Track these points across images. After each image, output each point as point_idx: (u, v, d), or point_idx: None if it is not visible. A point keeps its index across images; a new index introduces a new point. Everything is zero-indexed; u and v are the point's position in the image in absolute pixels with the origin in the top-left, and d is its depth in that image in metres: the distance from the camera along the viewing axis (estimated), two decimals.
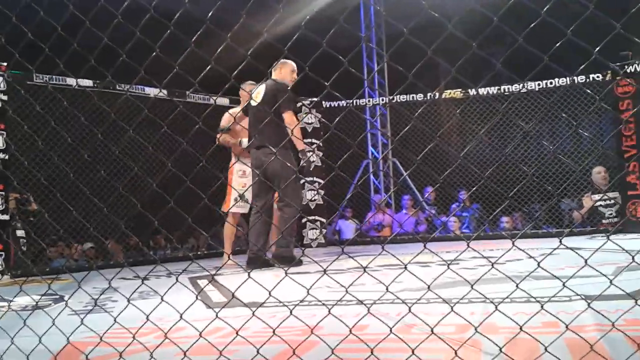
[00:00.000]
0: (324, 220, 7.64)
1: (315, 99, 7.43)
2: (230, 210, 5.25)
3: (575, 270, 1.76)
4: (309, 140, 7.40)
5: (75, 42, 2.05)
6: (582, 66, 1.83)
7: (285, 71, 4.82)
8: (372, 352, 1.59)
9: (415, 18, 1.85)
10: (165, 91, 6.28)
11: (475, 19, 1.87)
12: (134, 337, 1.91)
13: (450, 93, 7.25)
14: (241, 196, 5.08)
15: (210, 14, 1.85)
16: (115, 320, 1.99)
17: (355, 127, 7.95)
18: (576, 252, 1.59)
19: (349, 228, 8.33)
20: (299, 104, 7.28)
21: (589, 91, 6.55)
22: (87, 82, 6.00)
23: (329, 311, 1.77)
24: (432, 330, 1.63)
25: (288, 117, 4.50)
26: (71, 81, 5.89)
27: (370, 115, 8.96)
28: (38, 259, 5.86)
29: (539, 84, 6.87)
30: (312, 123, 7.61)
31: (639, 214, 5.94)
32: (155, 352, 1.83)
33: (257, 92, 4.74)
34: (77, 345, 1.99)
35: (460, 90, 7.21)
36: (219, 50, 1.86)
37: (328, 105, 7.75)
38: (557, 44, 1.61)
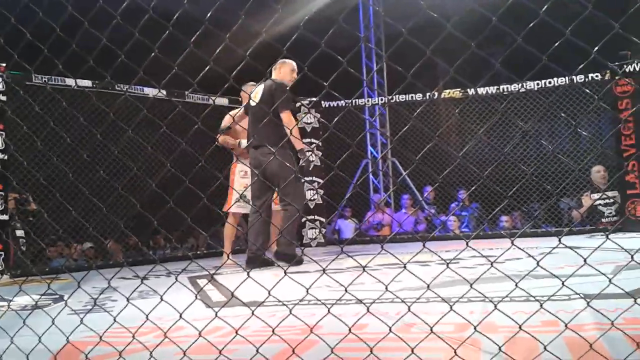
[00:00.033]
0: (323, 219, 7.65)
1: (314, 99, 7.43)
2: (231, 210, 5.25)
3: (575, 269, 1.76)
4: (308, 140, 7.40)
5: (74, 43, 2.05)
6: (581, 66, 1.83)
7: (285, 71, 4.83)
8: (371, 351, 1.59)
9: (414, 18, 1.85)
10: (164, 91, 6.28)
11: (474, 19, 1.87)
12: (133, 337, 1.92)
13: (449, 93, 7.25)
14: (242, 196, 5.08)
15: (209, 15, 1.85)
16: (114, 319, 1.99)
17: (355, 127, 7.95)
18: (575, 251, 1.59)
19: (348, 227, 8.33)
20: (297, 104, 7.28)
21: (587, 91, 6.55)
22: (87, 83, 6.00)
23: (329, 310, 1.77)
24: (431, 330, 1.63)
25: (285, 116, 4.50)
26: (70, 82, 5.89)
27: (369, 115, 8.97)
28: (37, 259, 5.86)
29: (537, 84, 6.87)
30: (311, 123, 7.61)
31: (638, 213, 5.94)
32: (155, 351, 1.83)
33: (255, 92, 4.75)
34: (77, 345, 1.99)
35: (459, 90, 7.22)
36: (217, 50, 1.86)
37: (327, 105, 7.75)
38: (556, 44, 1.61)
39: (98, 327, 2.09)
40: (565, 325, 1.56)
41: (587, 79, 6.55)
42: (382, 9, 9.05)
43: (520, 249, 1.79)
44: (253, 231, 4.73)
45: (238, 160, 5.34)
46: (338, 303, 2.42)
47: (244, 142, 5.16)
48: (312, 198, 7.54)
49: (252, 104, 4.71)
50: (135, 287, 2.35)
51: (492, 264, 1.68)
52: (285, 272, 1.88)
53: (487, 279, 2.70)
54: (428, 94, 7.40)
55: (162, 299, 1.92)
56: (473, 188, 6.86)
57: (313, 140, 7.44)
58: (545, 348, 1.51)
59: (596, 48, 1.60)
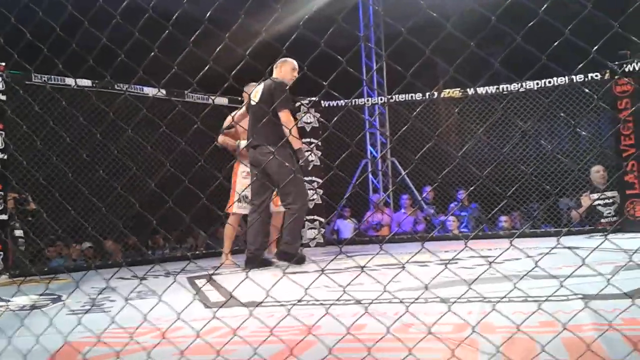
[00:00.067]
0: (322, 219, 7.64)
1: (314, 99, 7.43)
2: (232, 211, 5.26)
3: (573, 270, 1.76)
4: (308, 139, 7.40)
5: (74, 42, 2.05)
6: (580, 65, 1.83)
7: (285, 69, 4.81)
8: (369, 352, 1.59)
9: (413, 18, 1.85)
10: (164, 91, 6.28)
11: (474, 18, 1.87)
12: (131, 337, 1.91)
13: (448, 92, 7.25)
14: (244, 197, 5.08)
15: (208, 14, 1.85)
16: (113, 320, 1.99)
17: (355, 126, 7.95)
18: (574, 252, 1.59)
19: (347, 228, 8.33)
20: (297, 104, 7.28)
21: (587, 90, 6.55)
22: (86, 82, 6.00)
23: (327, 311, 1.77)
24: (429, 330, 1.63)
25: (284, 116, 4.49)
26: (70, 81, 5.89)
27: (369, 114, 8.96)
28: (36, 259, 5.86)
29: (537, 83, 6.87)
30: (311, 122, 7.61)
31: (637, 213, 5.94)
32: (153, 351, 1.83)
33: (255, 92, 4.75)
34: (75, 345, 1.99)
35: (459, 89, 7.22)
36: (217, 50, 1.86)
37: (327, 105, 7.75)
38: (555, 43, 1.61)
39: (96, 328, 2.09)
40: (564, 326, 1.56)
41: (586, 79, 6.55)
42: (381, 8, 9.04)
43: (519, 249, 1.79)
44: (252, 231, 4.73)
45: (240, 161, 5.33)
46: (337, 303, 2.42)
47: (243, 143, 5.16)
48: (312, 198, 7.54)
49: (253, 103, 4.72)
50: (134, 288, 2.35)
51: (490, 264, 1.68)
52: (284, 273, 1.88)
53: (486, 280, 2.70)
54: (428, 93, 7.39)
55: (160, 300, 1.91)
56: (472, 188, 6.86)
57: (312, 140, 7.44)
58: (543, 349, 1.51)
59: (595, 47, 1.60)
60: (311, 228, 7.60)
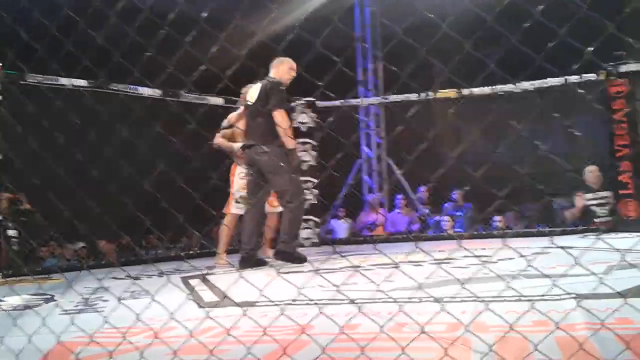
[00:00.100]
0: (317, 219, 7.64)
1: (310, 99, 7.41)
2: (230, 211, 5.25)
3: (566, 269, 1.77)
4: (303, 140, 7.39)
5: (69, 42, 2.04)
6: (575, 66, 1.84)
7: (282, 69, 4.78)
8: (362, 351, 1.59)
9: (410, 19, 1.85)
10: (159, 91, 6.26)
11: (471, 19, 1.87)
12: (124, 337, 1.91)
13: (444, 93, 7.25)
14: (242, 197, 5.07)
15: (204, 15, 1.85)
16: (105, 320, 1.99)
17: (351, 127, 7.95)
18: (567, 252, 1.60)
19: (341, 228, 8.33)
20: (292, 104, 7.27)
21: (581, 91, 6.56)
22: (82, 82, 5.97)
23: (320, 310, 1.77)
24: (422, 329, 1.63)
25: (278, 115, 4.48)
26: (65, 81, 5.86)
27: (364, 115, 8.97)
28: (30, 259, 5.83)
29: (532, 84, 6.86)
30: (306, 123, 7.60)
31: (630, 213, 5.96)
32: (146, 351, 1.82)
33: (252, 91, 4.75)
34: (68, 345, 1.98)
35: (454, 90, 7.21)
36: (213, 50, 1.85)
37: (323, 105, 7.73)
38: (550, 45, 1.62)
39: (89, 328, 2.08)
40: (556, 325, 1.56)
41: (581, 80, 6.55)
42: (378, 9, 9.05)
43: (512, 248, 1.79)
44: (246, 231, 4.72)
45: (237, 163, 5.33)
46: (330, 303, 2.42)
47: (236, 146, 5.17)
48: (307, 198, 7.53)
49: (250, 102, 4.72)
50: (127, 287, 2.34)
51: (483, 264, 1.68)
52: (277, 272, 1.88)
53: (480, 279, 2.70)
54: (423, 94, 7.39)
55: (153, 300, 1.91)
56: (466, 188, 6.87)
57: (307, 140, 7.43)
58: (535, 347, 1.51)
59: (591, 49, 1.61)
60: (306, 228, 7.59)
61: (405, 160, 7.55)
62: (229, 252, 5.47)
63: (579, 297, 2.16)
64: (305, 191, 7.11)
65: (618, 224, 5.96)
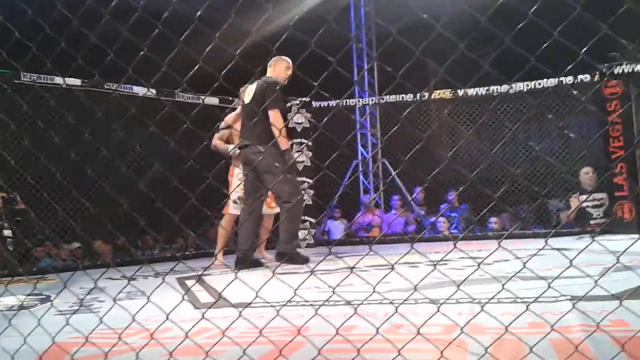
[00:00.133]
0: (313, 220, 7.64)
1: (305, 99, 7.42)
2: (228, 212, 5.25)
3: (561, 271, 1.77)
4: (299, 140, 7.39)
5: (63, 41, 2.03)
6: (569, 67, 1.84)
7: (279, 68, 4.77)
8: (358, 353, 1.59)
9: (405, 19, 1.85)
10: (153, 90, 6.25)
11: (467, 19, 1.87)
12: (119, 338, 1.90)
13: (439, 93, 7.27)
14: (240, 198, 5.07)
15: (198, 13, 1.85)
16: (101, 320, 1.98)
17: (346, 127, 7.94)
18: (562, 253, 1.60)
19: (337, 228, 8.33)
20: (288, 104, 7.27)
21: (575, 92, 6.58)
22: (76, 81, 5.95)
23: (316, 312, 1.77)
24: (418, 331, 1.63)
25: (273, 115, 4.48)
26: (59, 80, 5.85)
27: (360, 115, 8.97)
28: (25, 259, 5.81)
29: (527, 85, 6.89)
30: (301, 123, 7.60)
31: (625, 215, 5.99)
32: (141, 352, 1.82)
33: (248, 91, 4.74)
34: (63, 346, 1.97)
35: (449, 90, 7.23)
36: (208, 49, 1.85)
37: (318, 105, 7.74)
38: (544, 46, 1.62)
39: (84, 328, 2.08)
40: (551, 327, 1.57)
41: (576, 81, 6.57)
42: (373, 9, 9.05)
43: (507, 250, 1.79)
44: (243, 232, 4.71)
45: (234, 165, 5.33)
46: (326, 304, 2.42)
47: (232, 147, 5.17)
48: (304, 198, 7.53)
49: (246, 102, 4.71)
50: (122, 288, 2.34)
51: (479, 265, 1.68)
52: (273, 273, 1.88)
53: (475, 281, 2.70)
54: (418, 94, 7.41)
55: (148, 300, 1.90)
56: (461, 189, 6.88)
57: (303, 140, 7.43)
58: (530, 350, 1.51)
59: (584, 50, 1.61)
60: (302, 229, 7.59)
61: (401, 160, 7.54)
62: (225, 252, 5.46)
63: (574, 299, 2.17)
64: (302, 191, 7.12)
65: (613, 225, 5.98)
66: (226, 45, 1.87)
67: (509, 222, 7.63)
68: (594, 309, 1.94)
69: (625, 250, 1.64)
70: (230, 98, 6.67)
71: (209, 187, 1.97)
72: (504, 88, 6.95)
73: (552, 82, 6.71)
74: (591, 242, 1.69)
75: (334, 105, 7.51)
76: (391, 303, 1.91)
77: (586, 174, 6.78)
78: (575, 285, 2.46)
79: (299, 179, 7.27)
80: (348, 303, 2.16)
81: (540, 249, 1.69)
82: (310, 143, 7.43)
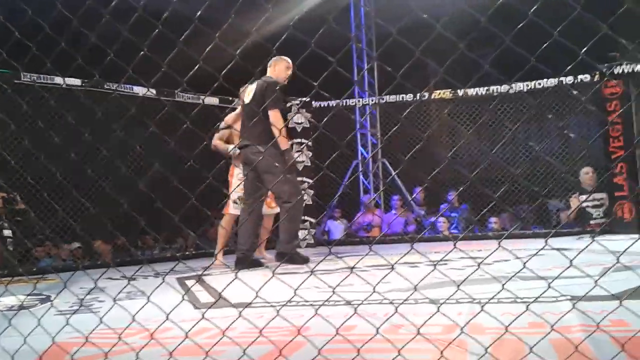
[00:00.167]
0: (313, 220, 7.64)
1: (305, 99, 7.42)
2: (229, 212, 5.25)
3: (561, 271, 1.77)
4: (299, 140, 7.39)
5: (63, 41, 2.03)
6: (569, 67, 1.84)
7: (279, 68, 4.76)
8: (358, 353, 1.59)
9: (405, 19, 1.85)
10: (153, 90, 6.25)
11: (468, 19, 1.87)
12: (119, 338, 1.90)
13: (439, 93, 7.27)
14: (240, 198, 5.07)
15: (198, 13, 1.85)
16: (101, 320, 1.98)
17: (346, 127, 7.94)
18: (562, 253, 1.60)
19: (337, 229, 8.33)
20: (288, 104, 7.27)
21: (575, 92, 6.57)
22: (76, 81, 5.95)
23: (316, 312, 1.77)
24: (418, 331, 1.63)
25: (273, 115, 4.48)
26: (59, 80, 5.85)
27: (360, 115, 8.98)
28: (25, 259, 5.81)
29: (527, 85, 6.88)
30: (302, 123, 7.60)
31: (625, 215, 5.98)
32: (141, 352, 1.82)
33: (248, 91, 4.74)
34: (63, 346, 1.97)
35: (449, 90, 7.23)
36: (208, 49, 1.85)
37: (318, 105, 7.74)
38: (544, 46, 1.62)
39: (84, 328, 2.08)
40: (551, 327, 1.57)
41: (576, 81, 6.57)
42: (373, 9, 9.05)
43: (507, 250, 1.79)
44: (243, 232, 4.71)
45: (234, 165, 5.33)
46: (327, 304, 2.42)
47: (232, 147, 5.17)
48: (304, 197, 7.54)
49: (246, 102, 4.71)
50: (122, 288, 2.34)
51: (479, 265, 1.68)
52: (273, 273, 1.88)
53: (475, 281, 2.71)
54: (418, 94, 7.41)
55: (148, 300, 1.90)
56: (461, 189, 6.88)
57: (303, 140, 7.43)
58: (530, 350, 1.51)
59: (584, 50, 1.61)
60: (302, 229, 7.59)
61: (401, 160, 7.55)
62: (225, 252, 5.46)
63: (575, 299, 2.17)
64: (302, 191, 7.12)
65: (613, 225, 5.98)
66: (227, 45, 1.87)
67: (509, 222, 7.63)
68: (594, 309, 1.94)
69: (625, 250, 1.64)
70: (230, 98, 6.67)
71: (209, 187, 1.97)
72: (504, 88, 6.94)
73: (552, 82, 6.70)
74: (591, 242, 1.69)
75: (334, 105, 7.51)
76: (391, 303, 1.91)
77: (586, 174, 6.78)
78: (576, 285, 2.46)
79: (299, 179, 7.28)
80: (348, 303, 2.16)
81: (540, 249, 1.69)
82: (310, 143, 7.43)
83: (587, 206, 6.64)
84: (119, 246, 7.17)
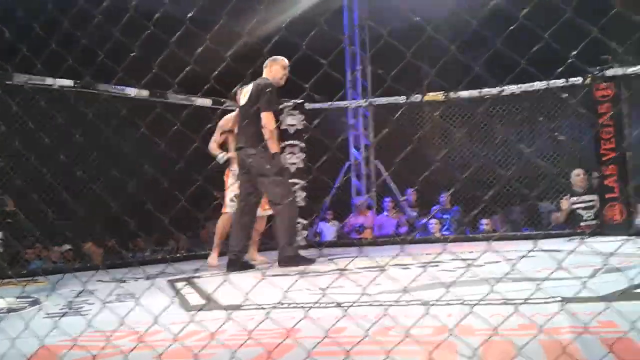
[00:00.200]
0: (305, 221, 7.63)
1: (298, 101, 7.41)
2: (226, 211, 5.24)
3: (550, 273, 1.78)
4: (291, 142, 7.38)
5: (54, 42, 2.03)
6: (559, 70, 1.85)
7: (275, 68, 4.72)
8: (348, 355, 1.59)
9: (400, 21, 1.86)
10: (146, 91, 6.23)
11: (462, 22, 1.88)
12: (108, 341, 1.89)
13: (432, 96, 7.27)
14: (236, 196, 5.05)
15: (189, 15, 1.84)
16: (89, 323, 1.97)
17: (340, 129, 7.95)
18: (551, 256, 1.60)
19: (329, 230, 8.32)
20: (281, 106, 7.26)
21: (565, 95, 6.59)
22: (68, 82, 5.91)
23: (305, 314, 1.77)
24: (406, 333, 1.63)
25: (265, 117, 4.46)
26: (50, 81, 5.81)
27: (353, 117, 8.99)
28: (15, 261, 5.78)
29: (519, 87, 6.88)
30: (294, 125, 7.59)
31: (616, 217, 6.01)
32: (130, 355, 1.81)
33: (245, 92, 4.72)
34: (52, 349, 1.96)
35: (442, 92, 7.23)
36: (200, 50, 1.85)
37: (311, 107, 7.73)
38: (534, 49, 1.63)
39: (74, 331, 2.07)
40: (540, 329, 1.57)
41: (567, 83, 6.57)
42: (366, 12, 9.07)
43: (497, 251, 1.80)
44: (235, 233, 4.69)
45: (230, 169, 5.32)
46: (318, 306, 2.42)
47: (221, 156, 5.18)
48: (297, 200, 7.53)
49: (242, 103, 4.70)
50: (111, 290, 2.33)
51: (468, 266, 1.69)
52: (263, 275, 1.87)
53: (466, 282, 2.71)
54: (411, 96, 7.41)
55: (137, 303, 1.90)
56: (451, 191, 6.89)
57: (296, 142, 7.42)
58: (519, 351, 1.51)
59: (574, 53, 1.62)
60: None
61: (393, 162, 7.55)
62: (219, 254, 5.42)
63: (564, 300, 2.17)
64: (295, 193, 7.11)
65: (604, 227, 6.01)
66: (221, 47, 1.87)
67: (500, 223, 7.65)
68: (584, 310, 1.95)
69: (614, 252, 1.65)
70: (222, 100, 6.66)
71: (201, 188, 1.97)
72: (497, 90, 6.95)
73: (544, 84, 6.72)
74: (580, 244, 1.70)
75: (327, 107, 7.50)
76: (382, 305, 1.91)
77: (577, 176, 6.81)
78: (566, 287, 2.46)
79: (292, 180, 7.26)
80: (339, 305, 2.16)
81: (529, 251, 1.70)
82: (303, 145, 7.42)
83: (578, 208, 6.67)
84: (109, 248, 7.14)
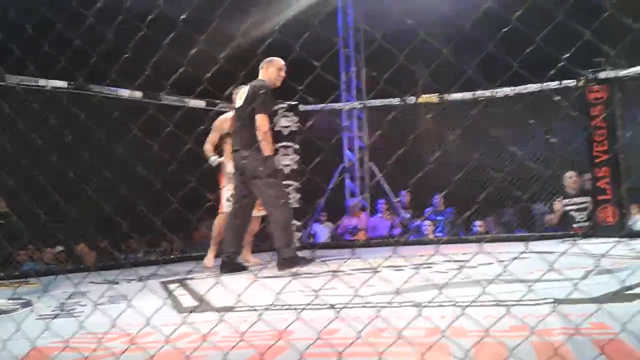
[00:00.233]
0: (298, 223, 7.62)
1: (292, 102, 7.41)
2: (223, 210, 5.23)
3: (542, 274, 1.78)
4: (285, 143, 7.38)
5: (47, 44, 2.02)
6: (551, 72, 1.86)
7: (271, 70, 4.69)
8: (340, 357, 1.59)
9: (395, 23, 1.86)
10: (139, 93, 6.21)
11: (454, 25, 1.89)
12: (100, 343, 1.89)
13: (426, 98, 7.27)
14: (232, 196, 5.03)
15: (183, 17, 1.84)
16: (81, 325, 1.96)
17: (334, 131, 7.96)
18: (543, 258, 1.61)
19: (323, 232, 8.32)
20: (275, 107, 7.25)
21: (557, 97, 6.60)
22: (61, 84, 5.89)
23: (298, 316, 1.77)
24: (399, 335, 1.63)
25: (260, 120, 4.45)
26: (43, 82, 5.78)
27: (347, 119, 8.99)
28: (7, 262, 5.75)
29: (513, 89, 6.89)
30: (289, 126, 7.59)
31: (608, 219, 6.03)
32: (122, 357, 1.80)
33: (241, 94, 4.71)
34: (43, 351, 1.96)
35: (436, 94, 7.24)
36: (193, 52, 1.85)
37: (305, 109, 7.73)
38: (527, 51, 1.63)
39: (65, 333, 2.06)
40: (532, 330, 1.57)
41: (560, 86, 6.59)
42: (360, 14, 9.08)
43: (489, 253, 1.80)
44: (229, 235, 4.68)
45: (224, 174, 5.31)
46: (311, 308, 2.41)
47: (213, 159, 5.17)
48: (291, 202, 7.52)
49: (238, 105, 4.69)
50: (103, 292, 2.32)
51: (460, 268, 1.69)
52: (256, 277, 1.87)
53: (459, 284, 2.71)
54: (405, 98, 7.42)
55: (129, 305, 1.89)
56: (444, 192, 6.90)
57: (289, 144, 7.42)
58: (511, 352, 1.52)
59: (566, 55, 1.62)
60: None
61: (387, 164, 7.56)
62: (214, 256, 5.40)
63: (556, 302, 2.18)
64: (289, 195, 7.10)
65: (596, 229, 6.03)
66: (215, 48, 1.87)
67: (493, 225, 7.67)
68: (575, 311, 1.96)
69: (606, 253, 1.65)
70: (216, 101, 6.65)
71: (194, 190, 1.97)
72: (490, 92, 6.97)
73: (537, 87, 6.73)
74: (572, 246, 1.70)
75: (321, 108, 7.50)
76: (374, 307, 1.91)
77: (570, 178, 6.84)
78: (558, 289, 2.47)
79: (286, 182, 7.26)
80: (332, 307, 2.16)
81: (521, 253, 1.70)
82: (297, 146, 7.42)
83: (571, 210, 6.69)
84: (102, 250, 7.10)
